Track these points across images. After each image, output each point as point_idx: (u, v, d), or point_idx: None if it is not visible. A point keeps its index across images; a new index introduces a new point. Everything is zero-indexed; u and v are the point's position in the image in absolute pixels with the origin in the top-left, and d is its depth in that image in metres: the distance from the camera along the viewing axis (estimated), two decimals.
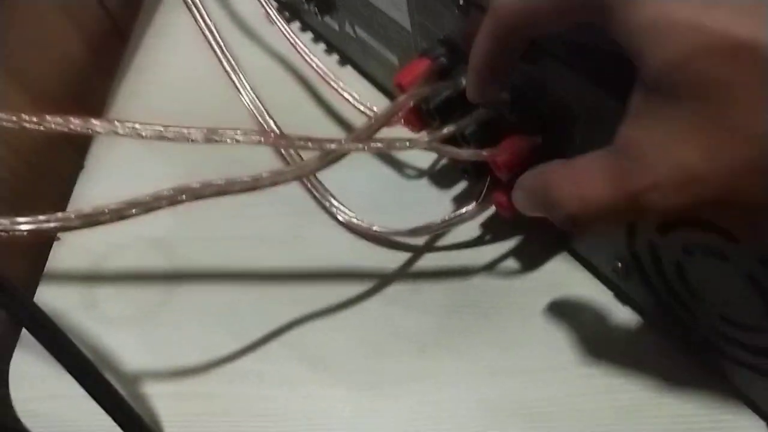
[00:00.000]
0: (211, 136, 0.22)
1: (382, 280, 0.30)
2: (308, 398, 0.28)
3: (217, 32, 0.35)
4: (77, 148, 0.38)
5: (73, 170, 0.36)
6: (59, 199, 0.35)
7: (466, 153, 0.23)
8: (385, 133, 0.24)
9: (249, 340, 0.29)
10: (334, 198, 0.32)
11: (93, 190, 0.35)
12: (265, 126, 0.33)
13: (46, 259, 0.33)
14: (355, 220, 0.31)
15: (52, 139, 0.37)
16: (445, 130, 0.22)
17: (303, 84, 0.38)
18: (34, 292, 0.32)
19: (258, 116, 0.33)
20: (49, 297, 0.31)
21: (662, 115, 0.16)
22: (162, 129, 0.22)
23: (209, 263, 0.32)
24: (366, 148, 0.22)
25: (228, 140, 0.22)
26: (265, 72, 0.38)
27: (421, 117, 0.27)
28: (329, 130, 0.36)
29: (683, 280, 0.23)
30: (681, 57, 0.15)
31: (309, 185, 0.32)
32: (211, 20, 0.35)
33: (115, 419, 0.25)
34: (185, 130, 0.22)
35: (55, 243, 0.33)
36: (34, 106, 0.37)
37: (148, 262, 0.32)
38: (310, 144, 0.22)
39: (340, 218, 0.31)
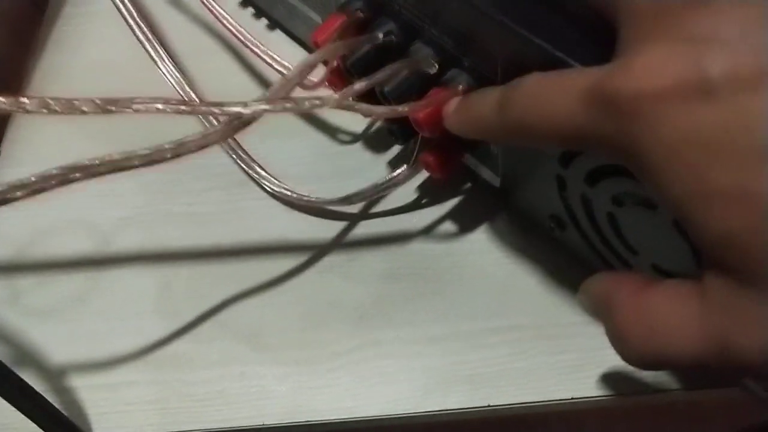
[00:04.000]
0: (107, 106, 0.20)
1: (317, 251, 0.29)
2: (243, 378, 0.26)
3: (134, 2, 0.33)
4: None
5: None
6: None
7: (380, 110, 0.22)
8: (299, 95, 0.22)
9: (181, 322, 0.28)
10: (263, 169, 0.30)
11: (11, 176, 0.33)
12: (186, 98, 0.31)
13: None
14: (285, 191, 0.29)
15: None
16: (357, 86, 0.21)
17: (231, 52, 0.36)
18: None
19: (179, 89, 0.31)
20: None
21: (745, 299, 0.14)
22: (51, 102, 0.20)
23: (137, 244, 0.30)
24: (274, 109, 0.20)
25: (126, 110, 0.20)
26: (192, 42, 0.36)
27: (344, 78, 0.26)
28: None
29: (617, 232, 0.22)
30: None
31: (235, 156, 0.30)
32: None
33: (33, 419, 0.23)
34: (76, 102, 0.20)
35: None
36: None
37: (74, 246, 0.31)
38: (213, 109, 0.20)
39: (269, 190, 0.30)
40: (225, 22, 0.30)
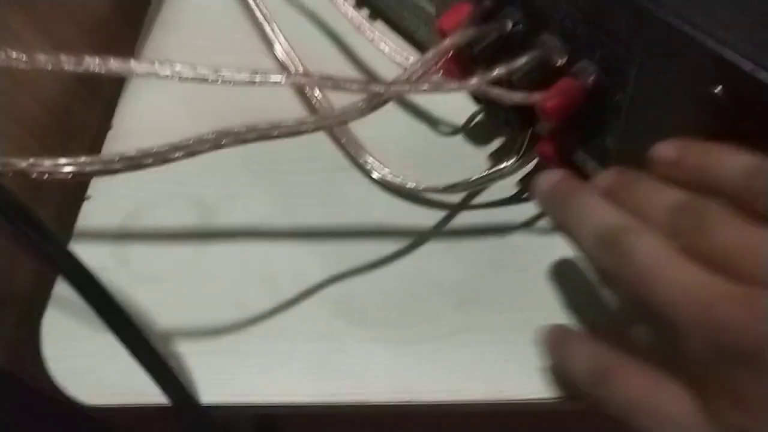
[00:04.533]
0: (254, 78, 0.21)
1: (417, 237, 0.30)
2: (345, 353, 0.27)
3: None
4: (105, 106, 0.37)
5: (100, 130, 0.36)
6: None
7: (516, 96, 0.22)
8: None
9: (284, 298, 0.29)
10: (369, 154, 0.31)
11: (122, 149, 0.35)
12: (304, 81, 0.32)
13: (75, 218, 0.32)
14: (389, 177, 0.30)
15: (78, 93, 0.36)
16: (496, 72, 0.22)
17: (334, 38, 0.37)
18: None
19: (293, 66, 0.32)
20: (80, 255, 0.31)
21: None
22: (207, 72, 0.21)
23: (242, 220, 0.31)
24: (415, 90, 0.21)
25: (271, 80, 0.21)
26: (296, 24, 0.37)
27: (461, 66, 0.26)
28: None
29: None
30: None
31: (343, 140, 0.31)
32: None
33: (153, 377, 0.24)
34: (225, 71, 0.21)
35: (85, 202, 0.33)
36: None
37: (180, 219, 0.32)
38: (355, 86, 0.21)
39: (374, 175, 0.31)
40: (340, 8, 0.31)
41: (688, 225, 0.19)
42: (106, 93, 0.37)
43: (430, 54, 0.23)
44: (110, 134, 0.35)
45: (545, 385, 0.25)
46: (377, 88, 0.21)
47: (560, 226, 0.22)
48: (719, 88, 0.19)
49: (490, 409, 0.26)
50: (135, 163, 0.19)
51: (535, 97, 0.22)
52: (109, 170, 0.19)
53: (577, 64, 0.23)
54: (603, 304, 0.27)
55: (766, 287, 0.16)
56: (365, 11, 0.38)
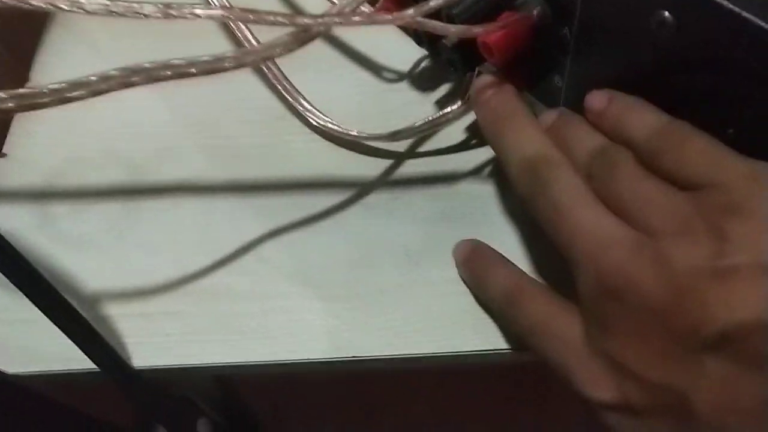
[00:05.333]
0: (168, 11, 0.19)
1: (362, 189, 0.28)
2: (286, 313, 0.26)
3: None
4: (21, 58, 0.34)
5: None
6: None
7: (454, 28, 0.21)
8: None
9: (221, 255, 0.27)
10: (307, 101, 0.29)
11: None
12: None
13: None
14: (330, 125, 0.28)
15: None
16: (433, 2, 0.20)
17: None
18: None
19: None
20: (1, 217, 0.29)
21: None
22: (109, 3, 0.19)
23: (175, 176, 0.29)
24: (345, 22, 0.19)
25: (187, 15, 0.19)
26: None
27: (401, 4, 0.25)
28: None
29: None
30: None
31: (279, 86, 0.29)
32: None
33: (75, 342, 0.23)
34: (136, 5, 0.19)
35: (0, 160, 0.30)
36: None
37: (108, 176, 0.30)
38: (281, 19, 0.19)
39: (314, 123, 0.29)
40: None
41: (601, 169, 0.20)
42: (24, 44, 0.34)
43: None
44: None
45: (495, 336, 0.25)
46: (305, 21, 0.19)
47: (493, 144, 0.24)
48: (666, 13, 0.18)
49: (439, 363, 0.25)
50: (28, 102, 0.17)
51: (476, 30, 0.21)
52: (33, 105, 0.17)
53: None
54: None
55: (658, 238, 0.18)
56: None
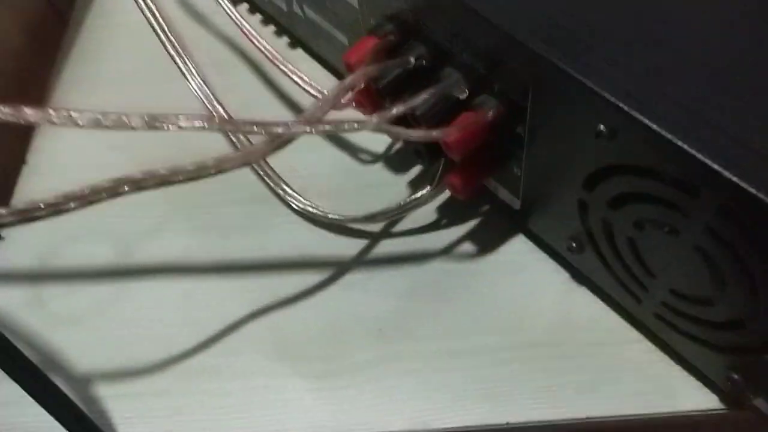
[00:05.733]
0: (153, 123, 0.21)
1: (339, 268, 0.30)
2: (267, 389, 0.27)
3: (161, 15, 0.34)
4: (20, 141, 0.36)
5: (15, 165, 0.35)
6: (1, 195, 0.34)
7: (415, 134, 0.23)
8: (335, 116, 0.23)
9: (205, 334, 0.29)
10: (288, 185, 0.31)
11: (36, 186, 0.34)
12: (214, 113, 0.32)
13: None
14: (310, 208, 0.30)
15: None
16: (394, 111, 0.22)
17: (254, 68, 0.37)
18: None
19: (207, 103, 0.32)
20: None
21: None
22: (100, 117, 0.21)
23: (162, 255, 0.31)
24: (313, 131, 0.21)
25: (171, 126, 0.21)
26: (215, 56, 0.37)
27: (372, 98, 0.27)
28: (281, 114, 0.35)
29: (635, 255, 0.23)
30: None
31: (261, 172, 0.31)
32: (153, 3, 0.33)
33: (63, 424, 0.24)
34: (125, 117, 0.21)
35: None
36: None
37: (98, 256, 0.31)
38: (255, 128, 0.21)
39: (294, 206, 0.31)
40: (254, 41, 0.31)
41: None
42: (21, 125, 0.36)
43: (332, 92, 0.23)
44: (25, 169, 0.35)
45: (466, 412, 0.26)
46: (277, 130, 0.21)
47: None
48: (601, 126, 0.20)
49: None
50: (26, 216, 0.19)
51: (436, 134, 0.23)
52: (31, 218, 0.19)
53: (478, 97, 0.24)
54: (522, 326, 0.27)
55: None
56: (285, 39, 0.38)
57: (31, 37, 0.41)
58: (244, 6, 0.40)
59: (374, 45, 0.25)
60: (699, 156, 0.17)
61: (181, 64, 0.32)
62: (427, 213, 0.31)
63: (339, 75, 0.36)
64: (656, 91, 0.19)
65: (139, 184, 0.21)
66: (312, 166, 0.33)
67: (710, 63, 0.19)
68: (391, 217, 0.29)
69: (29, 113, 0.21)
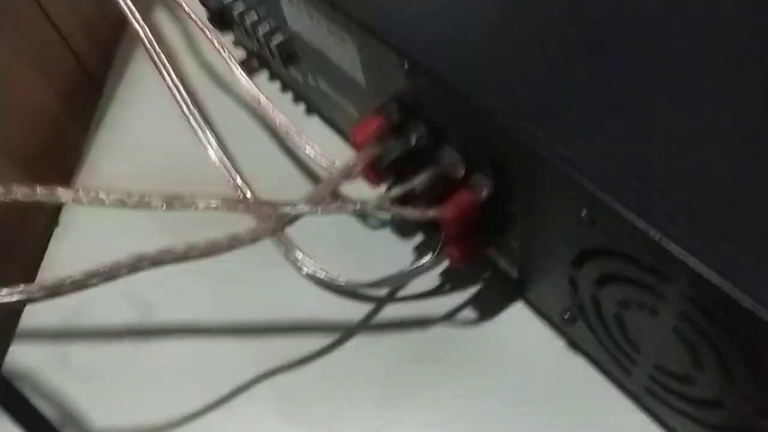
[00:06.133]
0: (172, 203, 0.23)
1: (344, 331, 0.31)
2: None
3: (183, 87, 0.36)
4: (52, 206, 0.38)
5: (47, 228, 0.37)
6: (33, 258, 0.36)
7: (413, 213, 0.24)
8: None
9: (217, 395, 0.30)
10: (300, 250, 0.33)
11: (67, 248, 0.36)
12: (232, 180, 0.34)
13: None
14: (319, 273, 0.32)
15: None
16: (393, 193, 0.24)
17: (273, 135, 0.39)
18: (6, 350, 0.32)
19: (226, 171, 0.34)
20: (22, 355, 0.32)
21: None
22: (125, 198, 0.23)
23: (178, 316, 0.33)
24: (319, 211, 0.23)
25: (189, 207, 0.23)
26: (235, 123, 0.40)
27: (375, 171, 0.29)
28: (298, 180, 0.37)
29: (623, 331, 0.24)
30: None
31: (274, 238, 0.33)
32: (177, 75, 0.36)
33: None
34: (146, 198, 0.23)
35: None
36: (9, 164, 0.38)
37: (119, 316, 0.33)
38: (266, 209, 0.23)
39: (304, 270, 0.32)
40: (271, 112, 0.33)
41: None
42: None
43: (337, 173, 0.25)
44: (57, 232, 0.37)
45: None
46: (286, 210, 0.23)
47: None
48: (584, 211, 0.21)
49: None
50: (54, 292, 0.21)
51: (433, 213, 0.24)
52: (30, 300, 0.21)
53: (473, 176, 0.26)
54: (524, 394, 0.28)
55: None
56: (302, 105, 0.41)
57: (66, 102, 0.44)
58: (266, 73, 0.43)
59: (378, 126, 0.27)
60: (666, 246, 0.18)
61: (201, 137, 0.34)
62: (430, 277, 0.32)
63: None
64: (631, 180, 0.20)
65: (157, 261, 0.22)
66: (322, 231, 0.34)
67: (690, 153, 0.21)
68: (395, 283, 0.31)
69: (62, 193, 0.23)
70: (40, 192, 0.23)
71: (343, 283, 0.31)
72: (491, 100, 0.23)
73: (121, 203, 0.23)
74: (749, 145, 0.20)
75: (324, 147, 0.33)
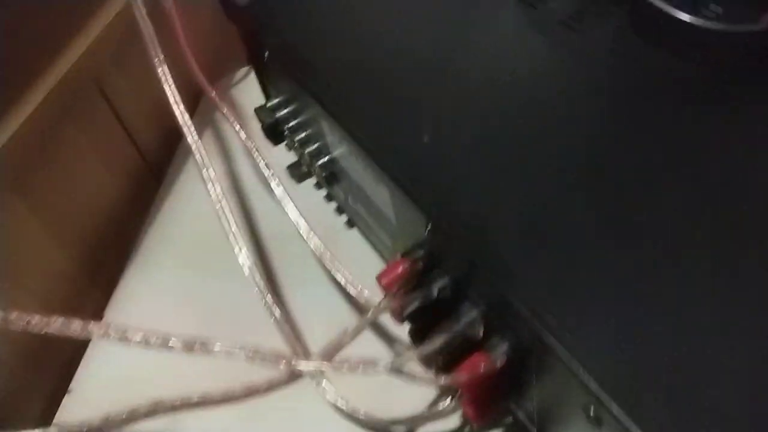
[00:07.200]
0: (191, 347, 0.24)
1: None
2: None
3: (226, 199, 0.37)
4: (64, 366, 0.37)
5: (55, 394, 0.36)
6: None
7: (426, 378, 0.24)
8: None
9: None
10: (327, 379, 0.33)
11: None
12: (266, 299, 0.34)
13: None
14: (340, 403, 0.32)
15: (37, 355, 0.36)
16: (405, 358, 0.24)
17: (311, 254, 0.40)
18: None
19: (259, 298, 0.35)
20: None
21: None
22: (149, 337, 0.24)
23: (205, 426, 0.33)
24: (328, 370, 0.23)
25: (207, 352, 0.24)
26: (277, 237, 0.41)
27: (399, 314, 0.29)
28: (335, 302, 0.37)
29: None
30: None
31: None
32: (221, 189, 0.37)
33: None
34: (170, 341, 0.24)
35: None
36: (67, 256, 0.40)
37: (154, 423, 0.34)
38: (281, 365, 0.24)
39: (327, 397, 0.32)
40: (306, 236, 0.34)
41: None
42: (67, 354, 0.37)
43: (353, 329, 0.25)
44: (66, 399, 0.35)
45: None
46: (298, 366, 0.24)
47: None
48: (592, 408, 0.21)
49: None
50: None
51: (445, 380, 0.24)
52: None
53: (491, 339, 0.25)
54: None
55: None
56: (344, 217, 0.42)
57: (127, 194, 0.47)
58: (313, 180, 0.44)
59: (403, 272, 0.28)
60: None
61: (234, 243, 0.34)
62: (451, 418, 0.32)
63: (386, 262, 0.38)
64: (636, 384, 0.20)
65: (173, 407, 0.23)
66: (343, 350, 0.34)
67: (707, 358, 0.20)
68: (414, 424, 0.30)
69: (93, 328, 0.25)
70: (73, 329, 0.24)
71: (362, 416, 0.31)
72: (510, 280, 0.23)
73: (146, 342, 0.24)
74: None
75: (360, 261, 0.33)
